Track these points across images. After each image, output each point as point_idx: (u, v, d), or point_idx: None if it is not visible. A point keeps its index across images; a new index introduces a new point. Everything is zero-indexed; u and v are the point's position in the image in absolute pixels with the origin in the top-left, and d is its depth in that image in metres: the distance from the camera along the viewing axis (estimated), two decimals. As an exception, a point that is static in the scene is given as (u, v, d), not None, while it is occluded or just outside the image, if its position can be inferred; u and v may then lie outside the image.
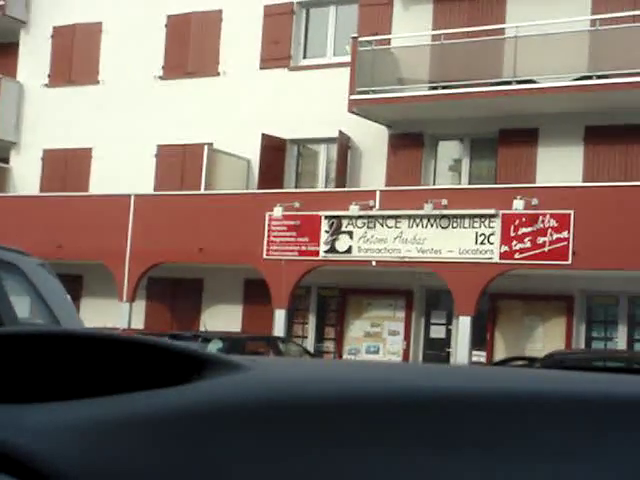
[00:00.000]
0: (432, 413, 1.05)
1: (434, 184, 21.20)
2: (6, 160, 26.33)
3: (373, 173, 21.86)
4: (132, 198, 22.42)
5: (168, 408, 1.01)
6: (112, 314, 21.93)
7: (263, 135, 22.64)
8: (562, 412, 1.07)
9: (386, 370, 1.36)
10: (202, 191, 22.31)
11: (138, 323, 22.72)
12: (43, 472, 0.90)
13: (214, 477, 0.94)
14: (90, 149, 25.37)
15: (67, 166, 25.44)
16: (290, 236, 20.60)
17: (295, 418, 1.02)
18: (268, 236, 20.79)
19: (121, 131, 24.80)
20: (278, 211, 20.50)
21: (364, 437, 1.00)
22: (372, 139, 22.04)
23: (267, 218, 20.79)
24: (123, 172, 24.50)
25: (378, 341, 21.36)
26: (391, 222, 19.61)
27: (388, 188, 20.68)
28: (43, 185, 25.46)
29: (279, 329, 20.52)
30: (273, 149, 22.77)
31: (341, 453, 0.98)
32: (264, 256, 20.80)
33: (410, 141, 21.65)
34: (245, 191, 21.82)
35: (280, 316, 20.58)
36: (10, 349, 1.09)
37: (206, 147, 22.52)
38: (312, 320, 22.25)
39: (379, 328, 21.40)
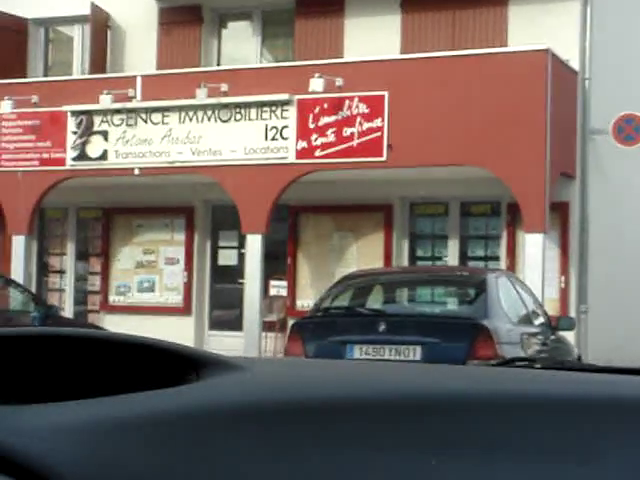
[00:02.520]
0: (431, 414, 1.04)
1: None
2: None
3: (140, 59, 17.06)
4: None
5: (166, 409, 1.00)
6: None
7: (-4, 13, 17.50)
8: (562, 412, 1.07)
9: (385, 371, 1.34)
10: None
11: None
12: (41, 473, 0.88)
13: (212, 478, 0.93)
14: None
15: None
16: (28, 140, 15.68)
17: (293, 418, 1.01)
18: (-1, 142, 15.83)
19: None
20: (7, 106, 15.52)
21: (363, 438, 1.00)
22: (138, 15, 17.21)
23: (-2, 118, 15.80)
24: None
25: (153, 273, 16.80)
26: (157, 117, 14.97)
27: (151, 72, 15.96)
28: None
29: (18, 260, 15.70)
30: (9, 32, 17.64)
31: (339, 454, 0.97)
32: (-5, 168, 15.86)
33: (186, 17, 16.93)
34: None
35: (19, 243, 15.75)
36: (7, 350, 1.07)
37: None
38: (71, 250, 17.47)
39: (153, 256, 16.82)
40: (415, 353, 8.20)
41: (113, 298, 17.01)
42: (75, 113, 15.31)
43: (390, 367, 1.53)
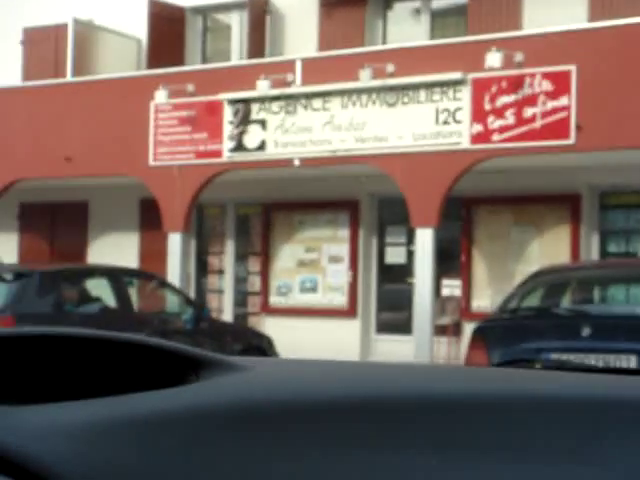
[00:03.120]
0: (432, 414, 1.04)
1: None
2: None
3: (300, 43, 16.00)
4: (-20, 96, 16.62)
5: (166, 409, 0.99)
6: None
7: (152, 3, 16.76)
8: (562, 413, 1.07)
9: (386, 371, 1.35)
10: (69, 79, 16.49)
11: (12, 259, 17.05)
12: (40, 473, 0.89)
13: (212, 478, 0.93)
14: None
15: None
16: (183, 132, 14.83)
17: (293, 419, 1.01)
18: (155, 134, 15.02)
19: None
20: (162, 96, 14.70)
21: (363, 438, 0.99)
22: (298, -2, 16.17)
23: (152, 109, 15.01)
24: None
25: (316, 272, 15.67)
26: (318, 102, 13.83)
27: (311, 55, 14.83)
28: None
29: (175, 259, 14.87)
30: (167, 21, 16.89)
31: (340, 454, 0.97)
32: (150, 162, 15.07)
33: (348, -3, 15.76)
34: (122, 74, 15.98)
35: (175, 241, 14.90)
36: (7, 350, 1.07)
37: (74, 23, 16.61)
38: (230, 249, 16.56)
39: (316, 254, 15.70)
40: (629, 363, 6.69)
41: (274, 299, 15.97)
42: (232, 101, 14.34)
43: (390, 367, 1.51)
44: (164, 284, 12.49)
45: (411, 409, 1.05)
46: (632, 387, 1.21)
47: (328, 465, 0.96)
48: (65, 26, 16.97)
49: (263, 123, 14.19)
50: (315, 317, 15.32)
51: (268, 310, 15.94)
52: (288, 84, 14.00)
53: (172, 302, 12.28)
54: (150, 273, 12.70)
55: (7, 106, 16.32)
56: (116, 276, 11.27)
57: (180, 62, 16.68)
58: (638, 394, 1.16)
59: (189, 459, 0.94)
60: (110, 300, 11.10)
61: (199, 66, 16.28)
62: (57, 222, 17.78)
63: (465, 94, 12.84)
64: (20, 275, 10.26)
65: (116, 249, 16.68)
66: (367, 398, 1.06)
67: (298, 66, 14.08)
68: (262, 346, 12.09)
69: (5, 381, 1.08)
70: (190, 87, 14.67)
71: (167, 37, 16.97)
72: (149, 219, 16.43)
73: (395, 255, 15.23)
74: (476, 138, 12.75)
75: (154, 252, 16.16)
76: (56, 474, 0.89)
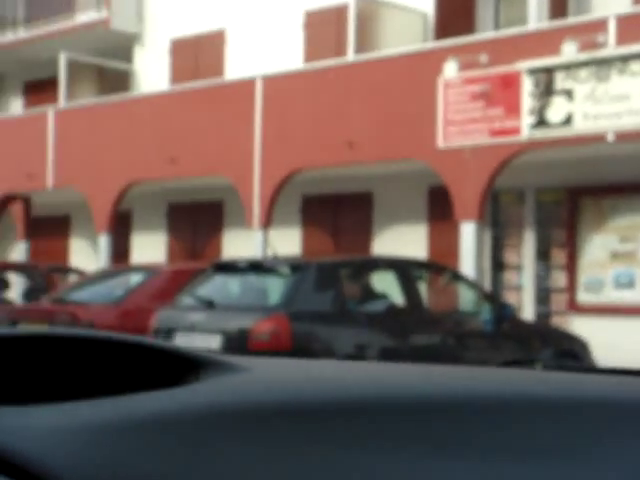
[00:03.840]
0: (432, 414, 1.04)
1: None
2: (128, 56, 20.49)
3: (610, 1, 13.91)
4: (259, 82, 15.77)
5: (165, 410, 0.99)
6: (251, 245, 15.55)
7: (439, -30, 15.23)
8: (562, 413, 1.07)
9: (385, 371, 1.35)
10: (349, 58, 15.26)
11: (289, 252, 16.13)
12: (39, 474, 0.89)
13: (211, 479, 0.93)
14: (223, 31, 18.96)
15: (198, 56, 19.20)
16: (476, 109, 13.17)
17: (293, 420, 1.00)
18: (444, 113, 13.46)
19: (258, 1, 18.23)
20: (451, 69, 13.11)
21: (363, 439, 0.99)
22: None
23: (440, 85, 13.46)
24: (262, 53, 17.97)
25: (632, 265, 13.51)
26: (636, 65, 11.74)
27: (627, 10, 12.72)
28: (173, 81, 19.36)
29: (468, 251, 13.25)
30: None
31: (340, 455, 0.97)
32: (439, 145, 13.52)
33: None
34: (407, 49, 14.51)
35: (468, 232, 13.28)
36: (6, 350, 1.07)
37: (356, 1, 15.39)
38: (530, 241, 14.70)
39: (632, 244, 13.54)
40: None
41: (582, 297, 13.97)
42: (532, 71, 12.52)
43: (391, 368, 1.46)
44: (458, 278, 10.87)
45: (411, 409, 1.05)
46: (632, 387, 1.22)
47: (328, 465, 0.96)
48: (346, 6, 15.87)
49: (569, 93, 12.27)
50: (634, 317, 13.19)
51: (576, 309, 13.97)
52: (599, 46, 12.02)
53: (467, 299, 10.65)
54: (441, 265, 11.13)
55: (288, 91, 15.37)
56: (404, 269, 9.76)
57: (470, 33, 15.04)
58: (638, 394, 1.16)
59: (189, 460, 0.94)
60: (397, 297, 9.63)
61: (493, 33, 14.54)
62: (340, 215, 16.67)
63: None
64: (295, 268, 8.97)
65: (402, 242, 15.30)
66: (367, 398, 1.06)
67: (611, 24, 12.06)
68: (575, 350, 10.21)
69: (5, 381, 1.08)
70: (483, 58, 13.01)
71: (456, 7, 15.38)
72: (438, 209, 14.93)
73: None
74: None
75: (444, 245, 14.63)
76: (55, 475, 0.90)
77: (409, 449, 0.99)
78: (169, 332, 8.87)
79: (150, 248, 18.91)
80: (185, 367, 1.10)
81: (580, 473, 1.00)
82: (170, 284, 10.77)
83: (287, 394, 1.05)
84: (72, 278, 14.14)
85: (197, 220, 18.43)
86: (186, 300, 9.24)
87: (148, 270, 11.40)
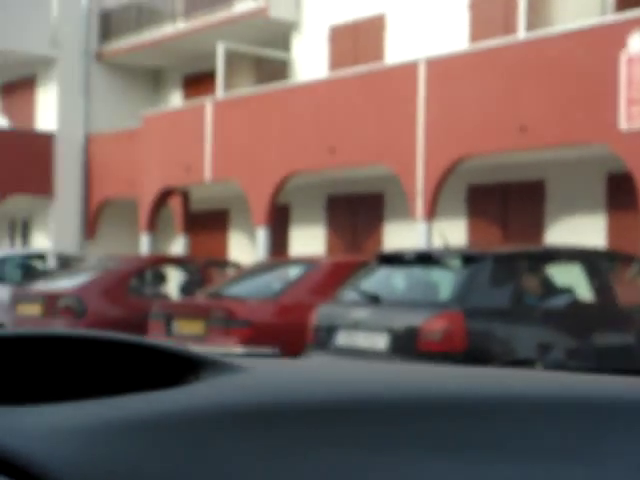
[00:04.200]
0: (432, 415, 1.04)
1: None
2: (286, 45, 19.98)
3: None
4: (422, 65, 14.92)
5: (164, 410, 0.99)
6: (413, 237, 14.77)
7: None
8: (562, 413, 1.08)
9: (386, 372, 1.32)
10: (520, 36, 14.22)
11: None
12: (39, 474, 0.89)
13: (211, 479, 0.93)
14: (382, 15, 18.18)
15: (357, 42, 18.50)
16: (663, 86, 11.96)
17: (293, 420, 1.00)
18: (627, 91, 12.30)
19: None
20: (637, 43, 11.94)
21: (363, 439, 1.00)
22: None
23: (623, 61, 12.31)
24: (424, 35, 17.12)
25: None
26: None
27: None
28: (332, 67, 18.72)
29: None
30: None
31: (340, 455, 0.97)
32: (621, 127, 12.37)
33: None
34: (583, 24, 13.36)
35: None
36: (6, 350, 1.07)
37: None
38: None
39: None
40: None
41: None
42: None
43: (390, 368, 1.43)
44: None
45: (411, 409, 1.05)
46: (632, 387, 1.20)
47: (328, 466, 0.96)
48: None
49: None
50: None
51: None
52: None
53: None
54: (629, 255, 10.03)
55: (453, 74, 14.48)
56: (590, 260, 8.76)
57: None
58: (638, 394, 1.15)
59: (189, 460, 0.94)
60: (582, 290, 8.63)
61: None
62: (508, 205, 15.67)
63: None
64: (469, 260, 8.10)
65: (577, 234, 14.19)
66: (367, 398, 1.06)
67: None
68: None
69: (5, 382, 1.09)
70: (671, 29, 11.81)
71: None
72: (619, 197, 13.77)
73: None
74: None
75: (626, 236, 13.45)
76: (55, 475, 0.90)
77: (409, 449, 0.99)
78: (330, 329, 8.16)
79: (308, 241, 18.37)
80: (185, 367, 1.10)
81: (580, 473, 1.01)
82: (330, 278, 10.09)
83: (287, 394, 1.05)
84: (229, 272, 13.66)
85: (357, 212, 17.76)
86: (349, 295, 8.52)
87: (307, 263, 10.74)
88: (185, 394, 1.03)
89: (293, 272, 10.64)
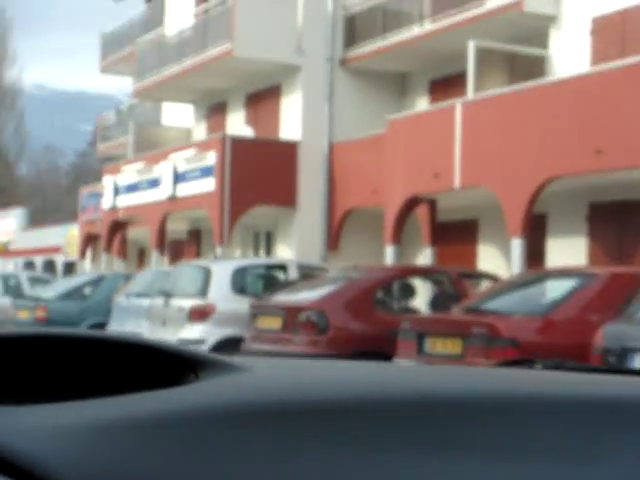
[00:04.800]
0: (432, 414, 1.05)
1: None
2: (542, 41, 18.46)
3: None
4: None
5: (165, 409, 1.00)
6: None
7: None
8: (562, 413, 1.08)
9: (386, 372, 1.35)
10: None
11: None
12: (40, 474, 0.89)
13: (211, 479, 0.93)
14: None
15: (624, 34, 16.74)
16: None
17: (293, 419, 1.01)
18: None
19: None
20: None
21: (363, 439, 1.00)
22: None
23: None
24: None
25: None
26: None
27: None
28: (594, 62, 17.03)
29: None
30: None
31: (340, 455, 0.98)
32: None
33: None
34: None
35: None
36: (7, 350, 1.08)
37: None
38: None
39: None
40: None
41: None
42: None
43: (390, 368, 1.49)
44: None
45: (411, 409, 1.05)
46: (632, 387, 1.21)
47: (328, 465, 0.96)
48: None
49: None
50: None
51: None
52: None
53: None
54: None
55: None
56: None
57: None
58: (638, 394, 1.16)
59: (188, 459, 0.94)
60: None
61: None
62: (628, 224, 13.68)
63: None
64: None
65: None
66: (367, 398, 1.06)
67: None
68: None
69: (5, 381, 1.09)
70: None
71: None
72: None
73: None
74: None
75: None
76: (55, 474, 0.89)
77: (409, 449, 0.99)
78: (623, 353, 6.73)
79: (567, 253, 16.72)
80: (185, 367, 1.10)
81: (580, 473, 1.00)
82: (610, 291, 8.60)
83: (287, 394, 1.05)
84: (484, 285, 12.35)
85: (624, 221, 15.97)
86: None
87: (580, 275, 9.28)
88: (185, 394, 1.03)
89: (562, 285, 9.21)
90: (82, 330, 1.11)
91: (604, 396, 1.13)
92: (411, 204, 18.60)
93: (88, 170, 59.20)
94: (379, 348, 10.17)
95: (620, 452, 1.03)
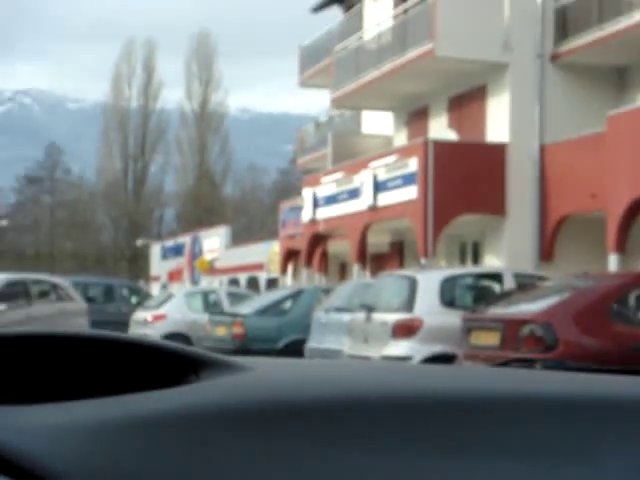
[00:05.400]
0: (432, 414, 1.05)
1: None
2: None
3: None
4: None
5: (166, 409, 1.00)
6: None
7: None
8: (562, 412, 1.08)
9: (388, 372, 1.35)
10: None
11: None
12: (40, 473, 0.89)
13: (212, 478, 0.93)
14: None
15: None
16: None
17: (294, 419, 1.01)
18: None
19: None
20: None
21: (364, 438, 1.00)
22: None
23: None
24: None
25: None
26: None
27: None
28: None
29: None
30: None
31: (340, 455, 0.98)
32: None
33: None
34: None
35: None
36: (7, 350, 1.08)
37: None
38: None
39: None
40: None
41: None
42: None
43: (391, 367, 1.49)
44: None
45: (411, 409, 1.04)
46: (632, 387, 1.21)
47: (328, 465, 0.96)
48: None
49: None
50: None
51: None
52: None
53: None
54: None
55: None
56: None
57: None
58: (638, 394, 1.15)
59: (189, 459, 0.94)
60: None
61: None
62: None
63: None
64: None
65: None
66: (368, 398, 1.06)
67: None
68: None
69: (5, 381, 1.08)
70: None
71: None
72: None
73: None
74: None
75: None
76: (56, 474, 0.89)
77: (409, 449, 0.99)
78: None
79: None
80: (186, 366, 1.10)
81: (580, 473, 1.00)
82: None
83: (288, 394, 1.05)
84: None
85: None
86: None
87: None
88: (187, 393, 1.03)
89: None
90: (83, 329, 1.12)
91: (604, 396, 1.13)
92: (637, 208, 16.72)
93: (290, 188, 59.44)
94: (620, 366, 8.59)
95: (620, 452, 1.03)
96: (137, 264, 60.75)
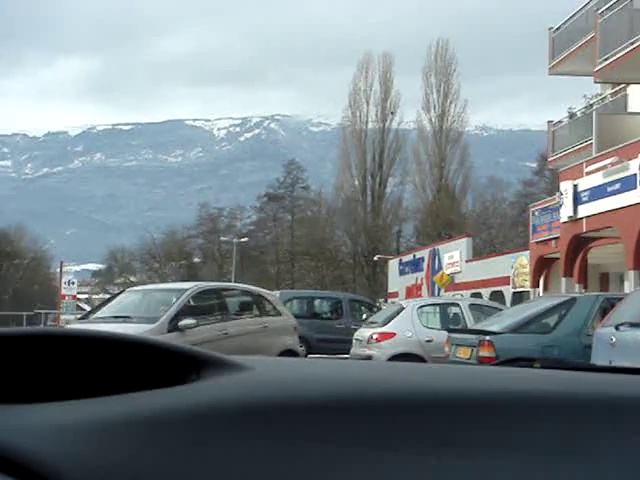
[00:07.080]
0: (432, 413, 1.05)
1: None
2: None
3: None
4: None
5: (167, 408, 1.01)
6: None
7: None
8: (562, 412, 1.07)
9: (386, 371, 1.35)
10: None
11: None
12: (42, 473, 0.89)
13: (213, 477, 0.94)
14: None
15: None
16: None
17: (294, 418, 1.01)
18: None
19: None
20: None
21: (364, 437, 1.00)
22: None
23: None
24: None
25: None
26: None
27: None
28: None
29: None
30: None
31: (341, 453, 0.98)
32: None
33: None
34: None
35: None
36: (8, 349, 1.08)
37: None
38: None
39: None
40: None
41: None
42: None
43: (391, 367, 1.49)
44: None
45: (411, 409, 1.04)
46: (632, 387, 1.19)
47: (328, 465, 0.95)
48: None
49: None
50: None
51: None
52: None
53: None
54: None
55: None
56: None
57: None
58: (638, 394, 1.14)
59: (190, 458, 0.93)
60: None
61: None
62: None
63: None
64: None
65: None
66: (367, 398, 1.05)
67: None
68: None
69: (5, 381, 1.07)
70: None
71: None
72: None
73: None
74: None
75: None
76: (57, 473, 0.88)
77: (409, 448, 0.98)
78: None
79: None
80: (187, 366, 1.10)
81: (580, 472, 1.00)
82: None
83: (288, 393, 1.06)
84: None
85: None
86: None
87: None
88: (188, 393, 1.04)
89: None
90: (85, 329, 1.10)
91: (604, 396, 1.12)
92: None
93: (534, 200, 55.07)
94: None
95: (620, 451, 1.02)
96: (376, 280, 58.35)
